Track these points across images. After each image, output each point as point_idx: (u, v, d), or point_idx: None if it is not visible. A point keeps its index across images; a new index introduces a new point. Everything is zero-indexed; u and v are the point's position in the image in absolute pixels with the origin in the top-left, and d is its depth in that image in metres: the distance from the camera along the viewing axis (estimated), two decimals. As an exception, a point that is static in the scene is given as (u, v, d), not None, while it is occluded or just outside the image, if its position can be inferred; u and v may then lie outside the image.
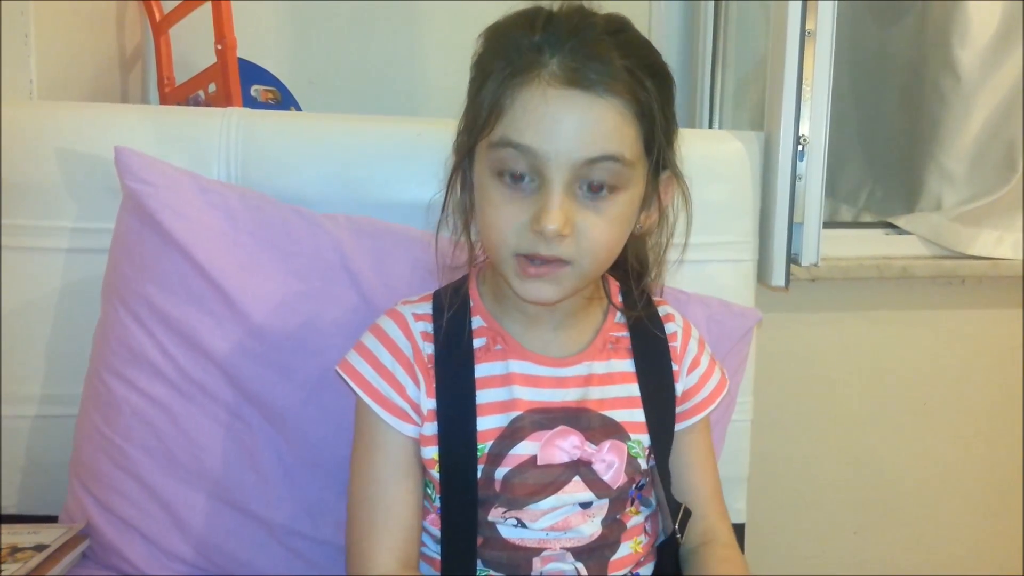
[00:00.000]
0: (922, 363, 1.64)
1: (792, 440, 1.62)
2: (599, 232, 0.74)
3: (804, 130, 1.24)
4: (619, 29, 0.75)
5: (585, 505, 0.82)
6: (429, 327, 0.84)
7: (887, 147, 1.80)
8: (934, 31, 1.62)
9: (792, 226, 1.24)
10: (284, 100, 1.43)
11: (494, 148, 0.73)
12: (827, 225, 1.37)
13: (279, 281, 0.95)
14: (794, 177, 1.23)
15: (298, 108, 1.45)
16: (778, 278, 1.25)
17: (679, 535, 0.86)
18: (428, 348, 0.83)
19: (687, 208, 0.86)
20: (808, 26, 1.22)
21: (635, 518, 0.87)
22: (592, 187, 0.73)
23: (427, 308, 0.86)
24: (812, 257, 1.29)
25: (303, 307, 0.95)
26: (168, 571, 0.93)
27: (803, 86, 1.23)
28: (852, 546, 1.69)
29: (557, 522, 0.81)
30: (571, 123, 0.71)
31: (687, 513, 0.88)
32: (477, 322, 0.85)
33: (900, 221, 1.61)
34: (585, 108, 0.71)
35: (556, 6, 0.75)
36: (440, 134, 1.08)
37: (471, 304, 0.86)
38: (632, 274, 0.88)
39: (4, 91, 1.09)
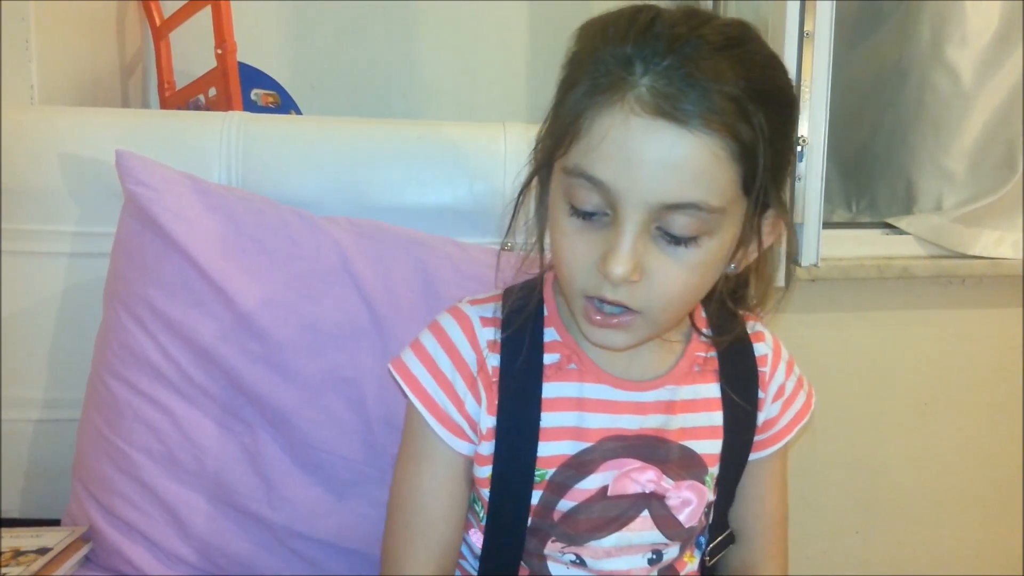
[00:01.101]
0: (922, 363, 1.64)
1: (793, 439, 1.62)
2: (674, 281, 0.65)
3: (803, 131, 1.25)
4: (734, 43, 0.63)
5: (654, 560, 0.77)
6: (497, 335, 0.76)
7: (880, 148, 1.80)
8: (930, 31, 1.62)
9: (792, 227, 1.24)
10: (284, 104, 1.44)
11: (568, 174, 0.65)
12: (827, 225, 1.37)
13: (280, 283, 0.95)
14: (793, 178, 1.23)
15: (298, 112, 1.45)
16: (778, 278, 1.24)
17: (707, 558, 0.82)
18: (494, 360, 0.75)
19: (790, 247, 0.78)
20: (806, 27, 1.22)
21: (689, 565, 0.82)
22: (671, 234, 0.63)
23: (496, 311, 0.77)
24: (812, 257, 1.29)
25: (304, 309, 0.95)
26: (171, 573, 0.93)
27: (802, 87, 1.23)
28: (854, 546, 1.69)
29: (618, 571, 0.76)
30: (652, 161, 0.60)
31: (728, 539, 0.84)
32: (550, 335, 0.77)
33: (901, 223, 1.61)
34: (671, 145, 0.60)
35: (664, 5, 0.65)
36: (439, 137, 1.09)
37: (545, 313, 0.77)
38: (719, 300, 0.77)
39: (5, 96, 1.10)
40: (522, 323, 0.76)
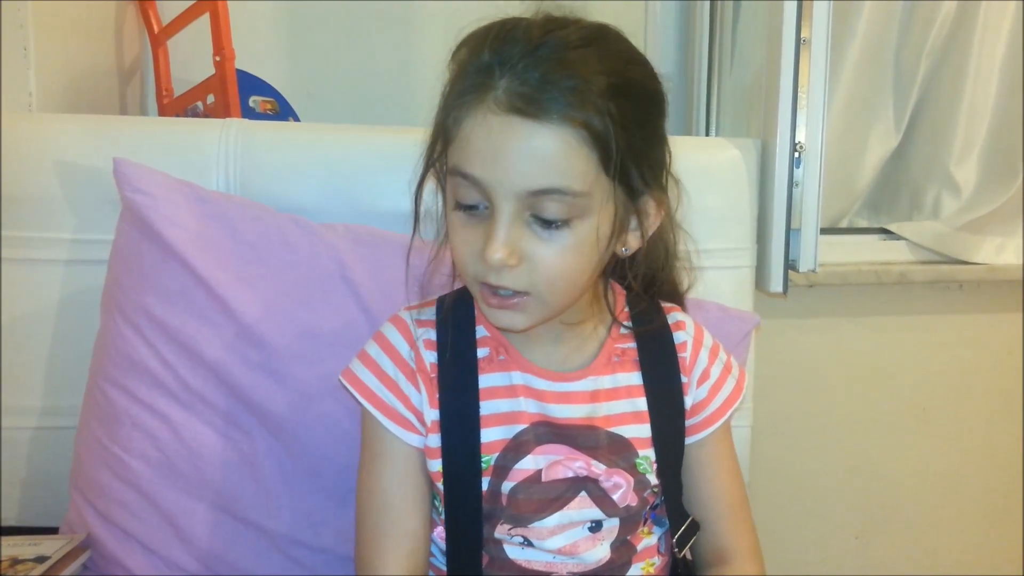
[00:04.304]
0: (920, 368, 1.64)
1: (792, 446, 1.62)
2: (552, 262, 0.70)
3: (800, 137, 1.25)
4: (588, 42, 0.69)
5: (594, 528, 0.80)
6: (432, 334, 0.82)
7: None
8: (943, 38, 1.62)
9: (790, 232, 1.24)
10: (282, 111, 1.44)
11: (451, 175, 0.72)
12: (824, 231, 1.37)
13: (278, 290, 0.95)
14: (791, 184, 1.23)
15: (296, 119, 1.45)
16: (776, 284, 1.25)
17: (677, 549, 0.84)
18: (431, 356, 0.81)
19: (674, 231, 0.83)
20: (803, 33, 1.22)
21: (647, 539, 0.84)
22: (543, 218, 0.69)
23: (431, 314, 0.84)
24: (810, 263, 1.29)
25: (302, 316, 0.95)
26: (169, 582, 0.93)
27: (799, 93, 1.23)
28: (853, 550, 1.69)
29: (565, 546, 0.79)
30: (513, 153, 0.67)
31: (693, 527, 0.85)
32: (480, 331, 0.83)
33: (904, 230, 1.61)
34: (526, 137, 0.66)
35: (529, 14, 0.71)
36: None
37: (475, 313, 0.83)
38: (634, 290, 0.84)
39: (3, 103, 1.10)
40: (454, 322, 0.82)
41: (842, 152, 1.64)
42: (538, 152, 0.67)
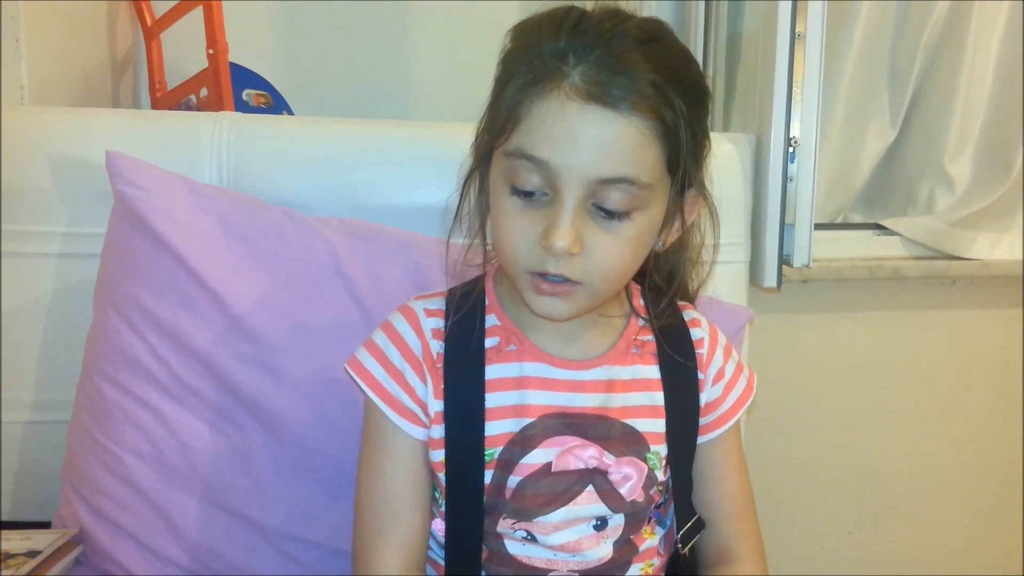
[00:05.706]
0: (914, 363, 1.65)
1: (785, 441, 1.62)
2: (611, 253, 0.71)
3: (795, 132, 1.25)
4: (653, 38, 0.70)
5: (599, 526, 0.80)
6: (441, 324, 0.81)
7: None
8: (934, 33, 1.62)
9: (784, 227, 1.25)
10: (276, 104, 1.44)
11: (509, 157, 0.70)
12: (818, 226, 1.37)
13: (271, 284, 0.95)
14: (785, 179, 1.23)
15: (290, 112, 1.45)
16: (770, 279, 1.25)
17: (680, 546, 0.84)
18: (438, 346, 0.80)
19: (715, 227, 0.84)
20: (798, 28, 1.22)
21: (649, 540, 0.84)
22: (606, 209, 0.69)
23: (440, 304, 0.83)
24: (804, 258, 1.30)
25: (296, 310, 0.95)
26: (162, 575, 0.92)
27: (793, 88, 1.23)
28: (846, 546, 1.70)
29: (568, 542, 0.79)
30: (588, 139, 0.67)
31: (698, 525, 0.85)
32: (491, 320, 0.82)
33: (899, 226, 1.61)
34: (604, 125, 0.67)
35: (589, 7, 0.72)
36: (431, 138, 1.09)
37: (486, 302, 0.83)
38: (653, 286, 0.85)
39: (-5, 96, 1.09)
40: (464, 311, 0.81)
41: (839, 148, 1.64)
42: (613, 140, 0.67)
